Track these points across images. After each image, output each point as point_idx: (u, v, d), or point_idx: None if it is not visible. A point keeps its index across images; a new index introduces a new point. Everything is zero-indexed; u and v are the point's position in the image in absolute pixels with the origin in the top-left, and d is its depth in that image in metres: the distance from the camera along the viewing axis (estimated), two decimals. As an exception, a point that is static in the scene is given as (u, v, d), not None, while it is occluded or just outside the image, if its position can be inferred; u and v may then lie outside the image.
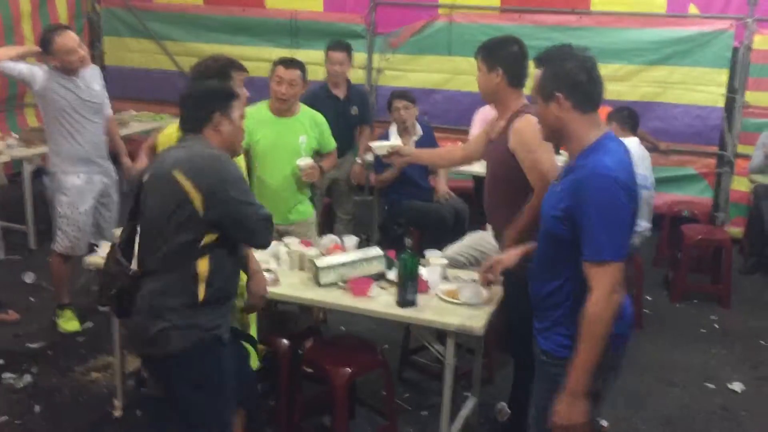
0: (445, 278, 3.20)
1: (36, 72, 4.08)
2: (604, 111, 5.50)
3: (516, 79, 3.02)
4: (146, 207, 2.39)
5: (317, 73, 5.41)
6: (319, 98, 5.08)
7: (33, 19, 6.91)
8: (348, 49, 5.22)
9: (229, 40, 7.36)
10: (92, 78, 4.28)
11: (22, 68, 4.09)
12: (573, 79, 2.16)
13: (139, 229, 2.47)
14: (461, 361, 3.48)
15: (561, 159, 4.74)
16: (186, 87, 2.64)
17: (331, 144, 4.08)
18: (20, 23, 6.77)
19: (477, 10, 6.56)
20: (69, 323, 4.36)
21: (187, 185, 2.27)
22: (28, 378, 3.83)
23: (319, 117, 4.01)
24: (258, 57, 6.74)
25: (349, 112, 5.29)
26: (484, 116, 4.97)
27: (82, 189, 4.24)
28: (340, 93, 5.25)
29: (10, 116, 6.93)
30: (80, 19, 7.54)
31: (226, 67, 2.86)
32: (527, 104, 3.03)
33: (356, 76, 6.83)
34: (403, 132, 5.12)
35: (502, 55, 3.00)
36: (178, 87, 7.68)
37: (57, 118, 4.16)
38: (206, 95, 2.46)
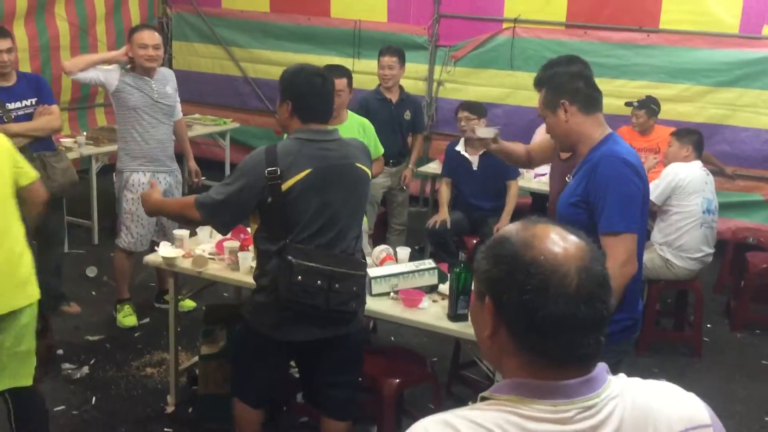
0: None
1: (109, 75, 4.24)
2: (666, 130, 5.43)
3: None
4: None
5: (377, 83, 5.46)
6: (371, 102, 5.15)
7: (107, 22, 7.17)
8: (399, 54, 5.24)
9: (293, 48, 7.48)
10: (166, 81, 4.43)
11: (92, 76, 4.25)
12: (571, 85, 2.42)
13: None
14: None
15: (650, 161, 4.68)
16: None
17: (379, 150, 4.13)
18: (95, 26, 7.02)
19: (542, 25, 6.51)
20: (127, 318, 4.49)
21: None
22: (85, 370, 3.95)
23: (367, 123, 4.07)
24: (321, 65, 6.82)
25: (402, 116, 5.31)
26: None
27: (146, 186, 4.36)
28: (393, 97, 5.28)
29: (81, 115, 7.19)
30: (152, 23, 7.77)
31: None
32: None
33: (417, 87, 6.86)
34: (468, 143, 5.09)
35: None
36: (242, 92, 7.88)
37: (128, 118, 4.31)
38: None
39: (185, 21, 7.96)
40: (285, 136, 2.75)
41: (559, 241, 1.09)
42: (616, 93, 6.00)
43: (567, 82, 2.43)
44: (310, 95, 2.62)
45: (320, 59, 7.16)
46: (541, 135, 5.16)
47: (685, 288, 4.73)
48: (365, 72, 7.01)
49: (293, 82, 2.66)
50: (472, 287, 1.19)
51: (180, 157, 4.77)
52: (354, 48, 7.20)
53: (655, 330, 4.61)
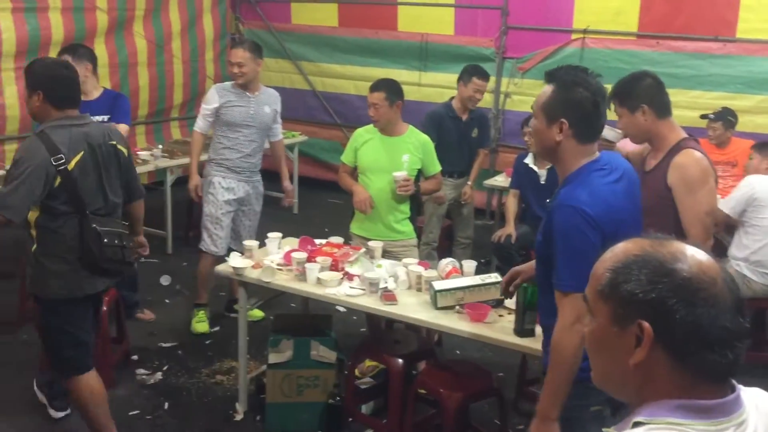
0: (565, 310, 3.12)
1: (211, 98, 4.54)
2: (744, 143, 5.23)
3: (663, 110, 2.91)
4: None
5: (444, 96, 5.46)
6: (443, 118, 5.14)
7: (182, 38, 7.42)
8: (488, 79, 5.23)
9: (360, 61, 7.58)
10: (266, 100, 4.64)
11: (207, 116, 4.58)
12: (581, 109, 2.16)
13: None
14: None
15: (723, 204, 4.41)
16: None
17: (436, 167, 4.09)
18: (170, 42, 7.28)
19: (612, 35, 6.40)
20: (199, 324, 4.64)
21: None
22: (159, 375, 4.07)
23: (427, 140, 4.05)
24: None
25: (470, 134, 5.29)
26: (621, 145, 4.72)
27: (225, 191, 4.56)
28: (464, 115, 5.26)
29: (157, 129, 7.46)
30: (224, 39, 8.01)
31: None
32: (687, 137, 2.90)
33: (484, 100, 6.79)
34: (537, 157, 5.05)
35: (640, 92, 2.88)
36: (311, 106, 8.02)
37: (222, 130, 4.54)
38: None
39: (256, 36, 8.14)
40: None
41: (699, 255, 1.07)
42: (691, 104, 5.84)
43: (579, 101, 2.15)
44: (58, 83, 2.98)
45: (387, 72, 7.22)
46: (630, 146, 5.02)
47: (765, 306, 4.54)
48: (432, 85, 7.06)
49: (40, 74, 3.00)
50: (600, 315, 1.11)
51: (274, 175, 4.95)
52: (421, 61, 7.23)
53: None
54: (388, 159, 3.94)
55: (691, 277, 1.03)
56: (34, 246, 3.01)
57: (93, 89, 4.37)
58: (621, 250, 1.11)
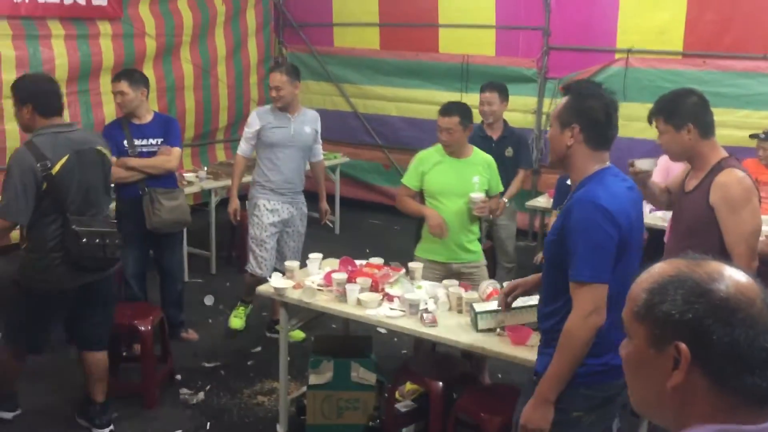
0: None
1: (252, 122, 4.65)
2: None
3: (707, 129, 2.87)
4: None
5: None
6: (474, 138, 5.11)
7: (227, 63, 7.57)
8: (499, 90, 5.19)
9: (402, 83, 7.61)
10: (306, 121, 4.73)
11: (249, 139, 4.70)
12: (592, 116, 2.29)
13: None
14: (624, 423, 3.29)
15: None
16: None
17: (500, 186, 4.16)
18: (216, 66, 7.43)
19: (657, 54, 6.31)
20: (235, 320, 4.80)
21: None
22: (201, 395, 4.11)
23: (490, 159, 4.11)
24: (429, 100, 6.91)
25: (503, 154, 5.24)
26: (665, 165, 4.56)
27: (270, 213, 4.62)
28: (494, 134, 5.23)
29: (202, 151, 7.59)
30: (268, 63, 8.14)
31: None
32: (728, 156, 2.87)
33: (526, 120, 6.80)
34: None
35: (686, 110, 2.85)
36: (352, 127, 8.08)
37: (265, 152, 4.64)
38: None
39: (299, 60, 8.26)
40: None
41: (737, 275, 1.05)
42: (740, 124, 5.72)
43: (590, 108, 2.30)
44: (45, 96, 3.35)
45: (428, 94, 7.27)
46: (675, 168, 4.91)
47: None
48: (473, 106, 6.98)
49: (28, 88, 3.37)
50: (636, 337, 1.09)
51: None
52: (462, 82, 7.23)
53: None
54: (458, 181, 3.94)
55: (729, 298, 1.01)
56: (25, 243, 3.37)
57: (146, 113, 4.50)
58: (657, 271, 1.09)
